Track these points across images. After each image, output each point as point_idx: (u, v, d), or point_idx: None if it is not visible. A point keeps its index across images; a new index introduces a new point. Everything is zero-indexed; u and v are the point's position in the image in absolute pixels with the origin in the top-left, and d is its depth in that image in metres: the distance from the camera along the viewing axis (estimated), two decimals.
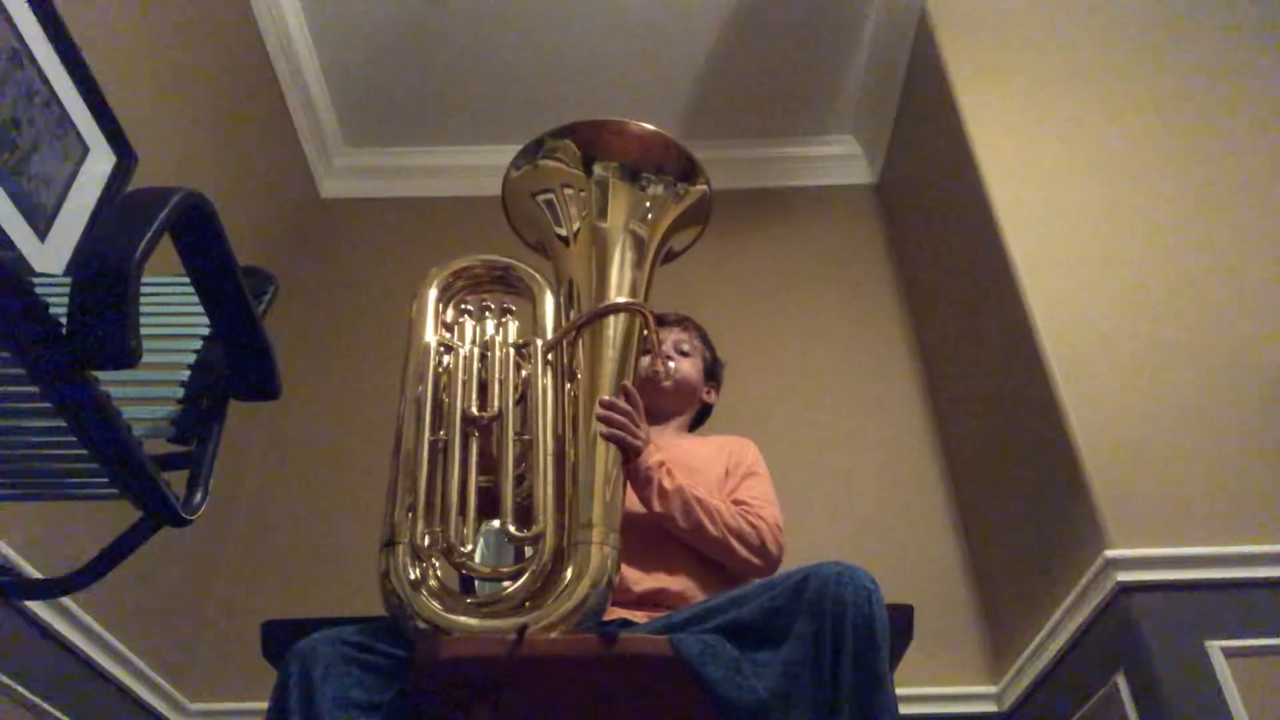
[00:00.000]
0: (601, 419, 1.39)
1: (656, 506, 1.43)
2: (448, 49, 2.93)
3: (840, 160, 3.21)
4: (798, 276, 2.92)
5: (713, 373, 1.86)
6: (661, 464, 1.44)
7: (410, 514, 1.25)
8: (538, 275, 1.57)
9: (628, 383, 1.45)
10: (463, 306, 1.54)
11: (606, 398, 1.41)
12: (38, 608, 1.65)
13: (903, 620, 1.36)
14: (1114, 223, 2.11)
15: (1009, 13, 2.51)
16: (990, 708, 2.13)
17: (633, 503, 1.44)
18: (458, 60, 2.96)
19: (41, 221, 1.66)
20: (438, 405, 1.37)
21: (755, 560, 1.45)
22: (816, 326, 2.81)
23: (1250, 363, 1.87)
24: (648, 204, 1.61)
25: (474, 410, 1.37)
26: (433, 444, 1.32)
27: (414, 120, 3.12)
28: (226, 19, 2.50)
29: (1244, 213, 2.10)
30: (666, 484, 1.43)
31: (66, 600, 1.72)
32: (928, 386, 2.67)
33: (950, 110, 2.42)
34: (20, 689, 1.59)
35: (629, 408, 1.42)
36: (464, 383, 1.39)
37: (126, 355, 0.67)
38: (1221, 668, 1.53)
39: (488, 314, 1.52)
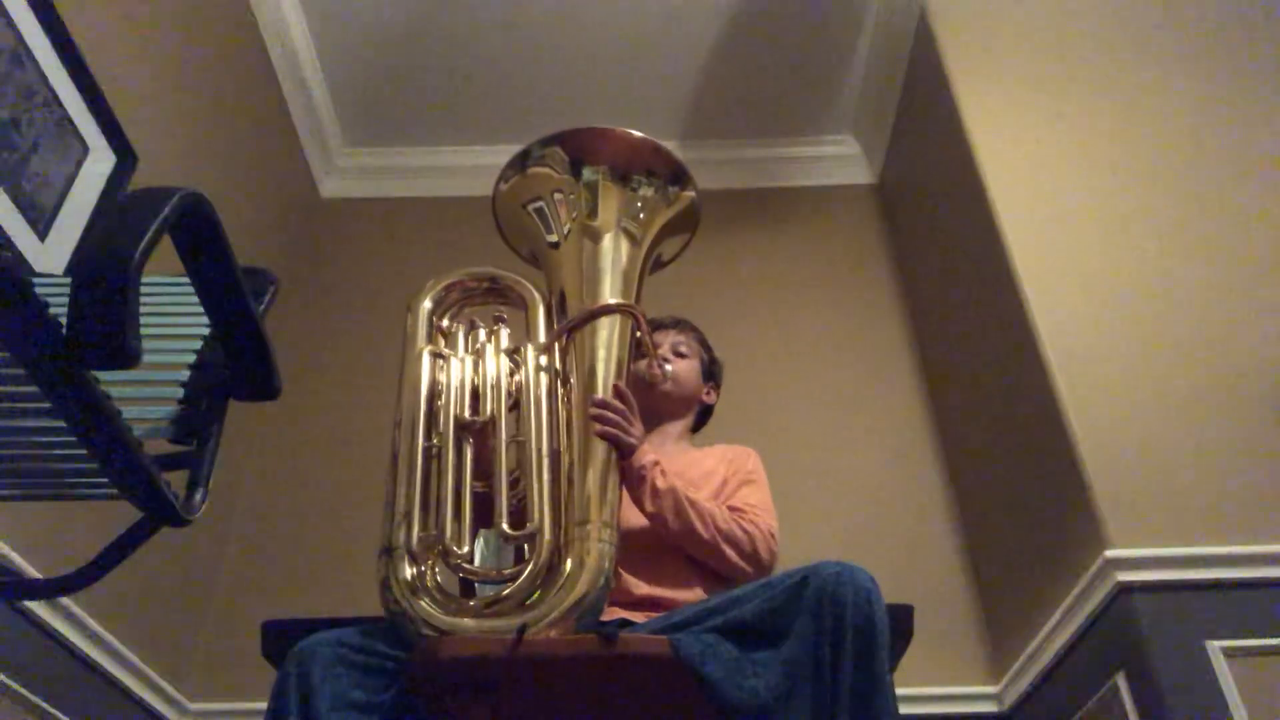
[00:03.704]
0: (594, 418, 1.40)
1: (648, 506, 1.42)
2: (448, 49, 2.93)
3: (840, 160, 3.21)
4: (798, 277, 2.92)
5: (711, 373, 1.86)
6: (655, 463, 1.44)
7: (407, 520, 1.26)
8: (527, 283, 1.59)
9: (620, 383, 1.46)
10: (455, 317, 1.56)
11: (599, 397, 1.42)
12: (38, 608, 1.65)
13: (903, 620, 1.36)
14: (1114, 222, 2.11)
15: (1009, 13, 2.51)
16: (990, 708, 2.13)
17: (633, 514, 1.44)
18: (458, 60, 2.96)
19: (41, 221, 1.66)
20: (431, 412, 1.38)
21: (745, 566, 1.45)
22: (817, 326, 2.81)
23: (1250, 363, 1.87)
24: (639, 204, 1.61)
25: (467, 415, 1.38)
26: (426, 450, 1.33)
27: (414, 120, 3.12)
28: (227, 19, 2.50)
29: (1245, 212, 2.10)
30: (660, 484, 1.43)
31: (66, 600, 1.72)
32: (928, 386, 2.67)
33: (950, 110, 2.41)
34: (20, 689, 1.59)
35: (622, 406, 1.42)
36: (457, 389, 1.41)
37: (126, 355, 0.66)
38: (1221, 668, 1.53)
39: (479, 323, 1.54)
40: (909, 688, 1.84)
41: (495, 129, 3.09)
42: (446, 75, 3.00)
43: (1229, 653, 1.54)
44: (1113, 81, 2.35)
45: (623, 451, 1.41)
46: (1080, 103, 2.32)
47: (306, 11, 2.81)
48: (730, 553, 1.44)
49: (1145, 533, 1.68)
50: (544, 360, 1.45)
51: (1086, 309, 1.98)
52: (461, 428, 1.37)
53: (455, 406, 1.38)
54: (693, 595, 1.44)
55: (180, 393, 0.89)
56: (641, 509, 1.43)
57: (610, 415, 1.40)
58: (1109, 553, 1.66)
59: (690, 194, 1.66)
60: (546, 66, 2.98)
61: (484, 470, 1.36)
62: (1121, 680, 1.63)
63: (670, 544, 1.46)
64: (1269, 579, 1.62)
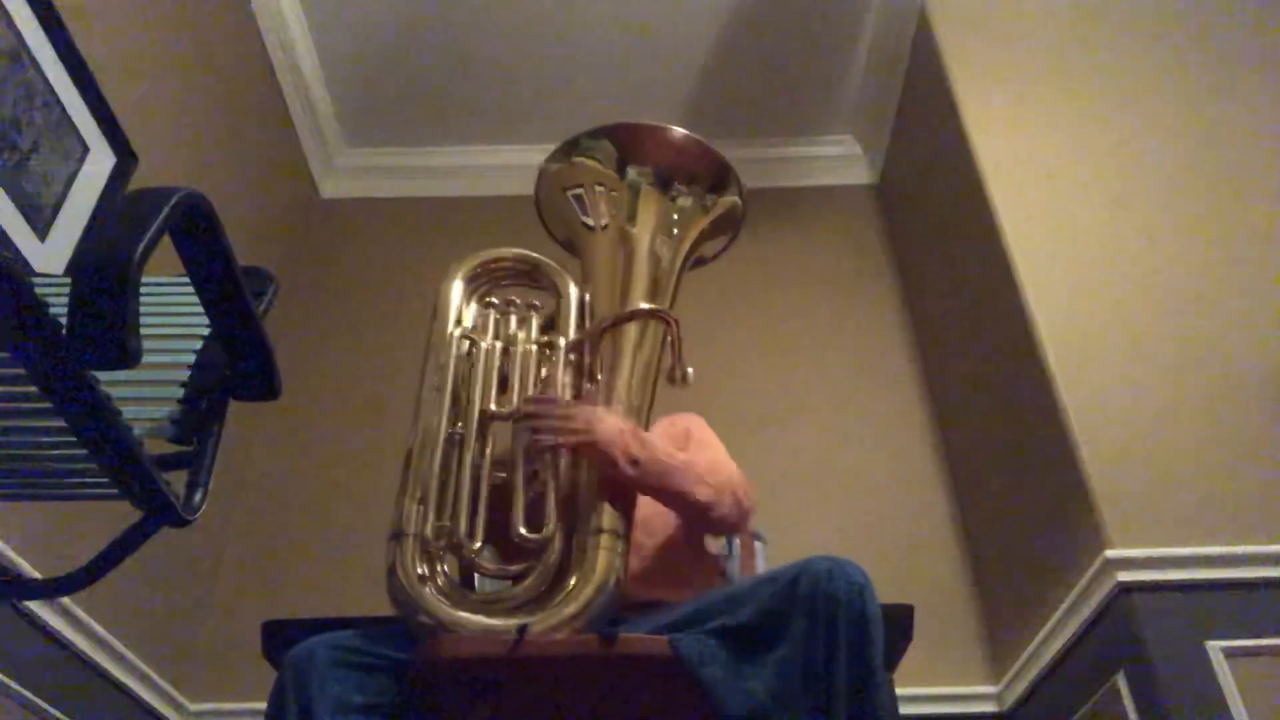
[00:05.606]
0: (534, 429, 1.31)
1: (629, 473, 1.32)
2: (448, 49, 2.93)
3: (840, 160, 3.21)
4: (797, 277, 2.92)
5: None
6: (622, 431, 1.33)
7: (421, 506, 1.25)
8: (565, 273, 1.56)
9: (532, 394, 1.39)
10: (488, 300, 1.53)
11: (526, 407, 1.34)
12: (38, 608, 1.65)
13: (902, 620, 1.36)
14: (1114, 222, 2.11)
15: (1009, 13, 2.50)
16: (990, 708, 2.13)
17: (635, 517, 1.43)
18: (458, 60, 2.96)
19: (41, 221, 1.66)
20: (456, 398, 1.36)
21: (727, 515, 1.38)
22: (816, 326, 2.81)
23: (1250, 363, 1.87)
24: (675, 215, 1.60)
25: (493, 406, 1.36)
26: (449, 436, 1.32)
27: (414, 120, 3.12)
28: (227, 19, 2.50)
29: (1245, 213, 2.10)
30: (635, 451, 1.32)
31: (66, 600, 1.71)
32: (927, 387, 2.67)
33: (950, 110, 2.41)
34: (20, 689, 1.59)
35: (553, 409, 1.34)
36: (484, 377, 1.39)
37: (126, 355, 0.66)
38: (1221, 668, 1.53)
39: (512, 309, 1.51)
40: (909, 688, 1.84)
41: (495, 129, 3.09)
42: (446, 75, 3.00)
43: (1229, 653, 1.54)
44: (1112, 80, 2.35)
45: (596, 449, 1.32)
46: (1080, 102, 2.32)
47: (306, 11, 2.81)
48: (709, 505, 1.37)
49: (1145, 533, 1.68)
50: (573, 356, 1.43)
51: (1086, 309, 1.98)
52: (486, 417, 1.35)
53: (482, 395, 1.36)
54: (692, 598, 1.43)
55: (180, 393, 0.89)
56: (621, 480, 1.34)
57: (542, 412, 1.32)
58: (1109, 553, 1.66)
59: (732, 198, 1.64)
60: (546, 67, 2.97)
61: (502, 461, 1.34)
62: (1121, 680, 1.63)
63: (671, 546, 1.45)
64: (1269, 579, 1.62)
